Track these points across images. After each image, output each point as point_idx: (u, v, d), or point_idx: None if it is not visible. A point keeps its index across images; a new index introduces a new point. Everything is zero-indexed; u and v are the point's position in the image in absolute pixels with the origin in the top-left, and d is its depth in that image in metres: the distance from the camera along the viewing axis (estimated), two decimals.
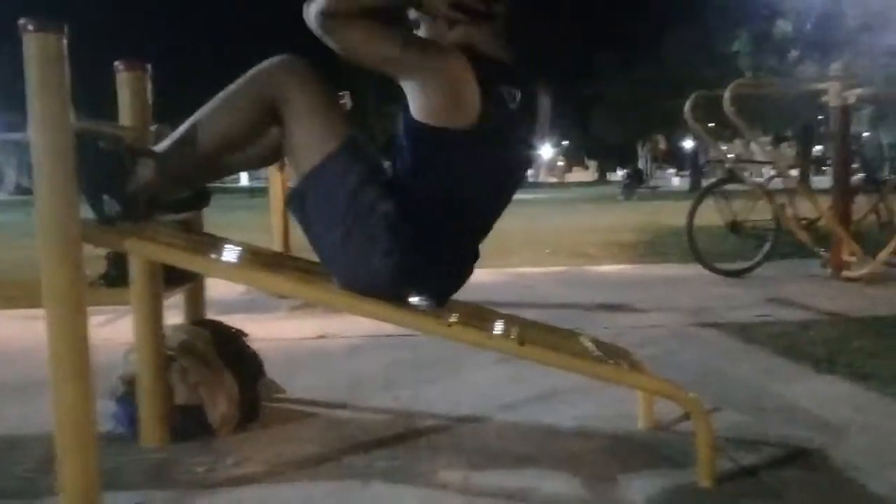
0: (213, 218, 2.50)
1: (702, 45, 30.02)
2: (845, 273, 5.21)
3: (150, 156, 1.80)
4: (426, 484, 1.83)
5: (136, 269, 2.08)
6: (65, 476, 1.61)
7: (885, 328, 3.51)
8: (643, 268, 6.20)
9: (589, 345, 2.17)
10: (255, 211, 9.44)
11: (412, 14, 1.88)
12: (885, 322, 3.66)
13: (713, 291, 4.78)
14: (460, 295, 2.05)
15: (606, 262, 6.61)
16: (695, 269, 5.48)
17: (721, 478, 1.80)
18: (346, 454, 2.04)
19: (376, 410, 2.43)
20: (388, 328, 2.10)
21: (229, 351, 2.31)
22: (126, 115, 2.12)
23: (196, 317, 2.53)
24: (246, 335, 2.48)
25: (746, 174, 5.83)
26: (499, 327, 2.02)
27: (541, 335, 2.10)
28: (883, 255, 5.06)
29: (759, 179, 5.83)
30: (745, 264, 5.50)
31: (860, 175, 6.03)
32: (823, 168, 7.52)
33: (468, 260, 1.99)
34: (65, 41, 1.56)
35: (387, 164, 1.91)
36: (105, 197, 1.72)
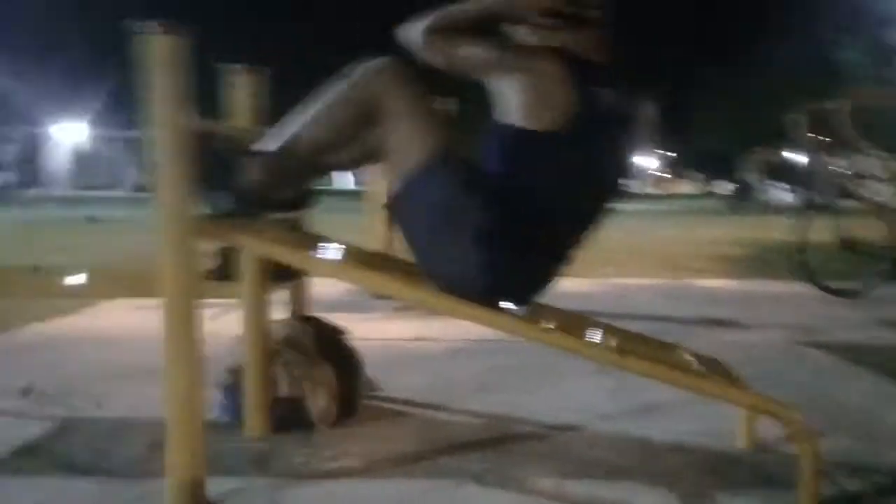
0: (318, 218, 2.57)
1: (812, 54, 28.93)
2: None
3: (261, 155, 1.87)
4: (518, 489, 1.84)
5: (245, 264, 2.16)
6: (172, 459, 1.69)
7: None
8: (748, 283, 6.02)
9: (689, 358, 2.12)
10: (359, 213, 9.61)
11: (504, 27, 1.90)
12: None
13: (822, 311, 4.60)
14: (559, 303, 2.05)
15: (710, 277, 6.44)
16: (803, 288, 5.29)
17: (823, 503, 1.74)
18: (439, 455, 2.06)
19: (471, 414, 2.45)
20: (486, 333, 2.11)
21: (331, 347, 2.36)
22: (240, 115, 2.20)
23: (300, 313, 2.60)
24: (347, 333, 2.53)
25: (862, 191, 5.58)
26: (598, 336, 2.00)
27: (640, 346, 2.07)
28: None
29: (876, 197, 5.57)
30: (858, 284, 5.27)
31: None
32: None
33: (559, 266, 1.97)
34: (187, 44, 1.63)
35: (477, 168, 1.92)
36: (219, 194, 1.79)
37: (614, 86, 1.84)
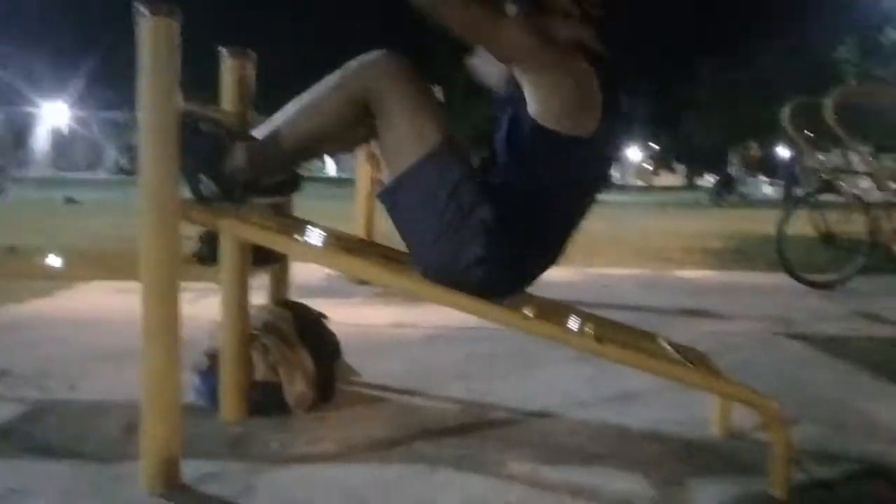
0: (299, 205, 2.56)
1: (802, 50, 29.08)
2: None
3: (248, 140, 1.86)
4: (494, 474, 1.85)
5: (226, 248, 2.15)
6: (147, 441, 1.68)
7: None
8: (728, 274, 6.06)
9: (667, 347, 2.14)
10: (340, 200, 9.58)
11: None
12: None
13: (800, 302, 4.64)
14: (540, 291, 2.05)
15: (690, 267, 6.48)
16: (782, 279, 5.33)
17: (795, 490, 1.76)
18: (416, 440, 2.07)
19: (448, 400, 2.45)
20: (465, 320, 2.11)
21: (309, 332, 2.36)
22: (228, 99, 2.18)
23: (280, 298, 2.60)
24: (326, 318, 2.53)
25: (843, 185, 5.63)
26: (577, 324, 2.01)
27: (619, 334, 2.08)
28: None
29: (856, 191, 5.62)
30: (836, 276, 5.32)
31: None
32: None
33: (551, 261, 1.98)
34: (178, 26, 1.62)
35: (476, 161, 1.92)
36: (203, 177, 1.78)
37: (625, 87, 1.85)
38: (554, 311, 2.16)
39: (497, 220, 1.78)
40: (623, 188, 43.44)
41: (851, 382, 2.78)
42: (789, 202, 5.70)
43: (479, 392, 2.52)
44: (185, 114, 1.72)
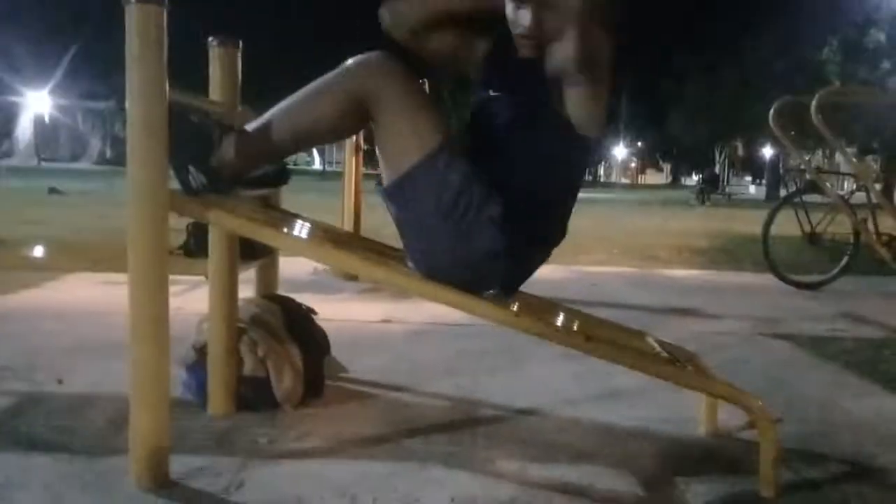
0: (285, 198, 2.54)
1: (787, 51, 29.23)
2: None
3: (237, 133, 1.85)
4: (483, 471, 1.85)
5: (215, 240, 2.14)
6: (136, 434, 1.67)
7: None
8: (714, 274, 6.09)
9: (655, 345, 2.15)
10: (325, 193, 9.56)
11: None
12: None
13: (786, 302, 4.67)
14: (529, 288, 2.05)
15: (677, 267, 6.51)
16: (768, 279, 5.36)
17: (783, 489, 1.77)
18: (404, 437, 2.07)
19: (437, 396, 2.45)
20: (454, 316, 2.11)
21: (298, 327, 2.35)
22: (216, 90, 2.17)
23: (268, 292, 2.59)
24: (315, 313, 2.52)
25: (828, 185, 5.67)
26: (566, 321, 2.02)
27: (607, 332, 2.09)
28: None
29: (840, 192, 5.65)
30: (821, 277, 5.36)
31: None
32: None
33: (544, 258, 1.99)
34: (165, 13, 1.60)
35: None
36: (191, 168, 1.77)
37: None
38: (543, 308, 2.16)
39: (507, 217, 1.79)
40: (609, 186, 43.59)
41: (837, 382, 2.80)
42: (774, 202, 5.72)
43: (468, 388, 2.53)
44: (173, 104, 1.70)
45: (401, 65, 1.80)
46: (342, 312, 3.66)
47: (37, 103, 38.43)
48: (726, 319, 3.98)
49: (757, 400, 1.82)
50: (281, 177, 2.09)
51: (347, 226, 4.89)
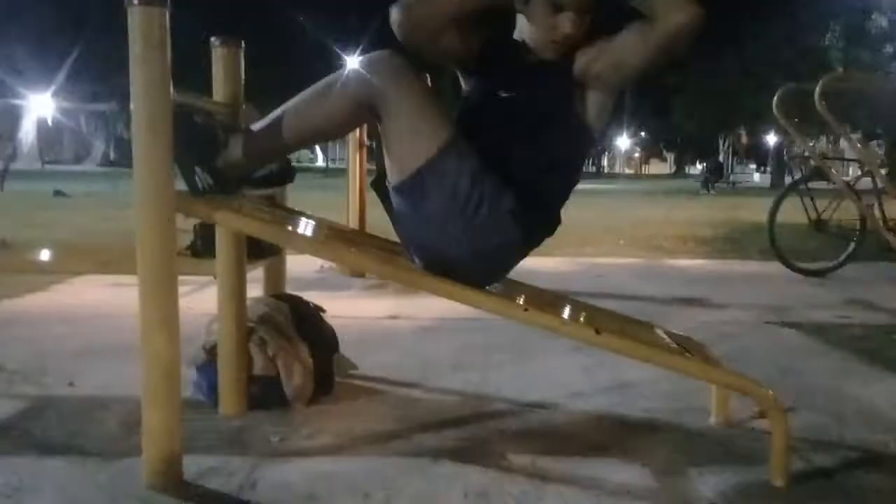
0: (290, 197, 2.55)
1: (790, 37, 29.10)
2: None
3: (244, 133, 1.85)
4: (495, 465, 1.85)
5: (222, 240, 2.14)
6: (148, 436, 1.67)
7: None
8: (721, 263, 6.08)
9: (664, 337, 2.15)
10: (329, 190, 9.56)
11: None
12: None
13: (793, 290, 4.66)
14: (535, 282, 2.05)
15: (683, 256, 6.51)
16: (774, 267, 5.36)
17: (794, 478, 1.77)
18: (415, 432, 2.07)
19: (446, 392, 2.45)
20: (461, 310, 2.11)
21: (307, 325, 2.36)
22: (219, 91, 2.17)
23: (276, 290, 2.59)
24: (323, 311, 2.53)
25: (833, 172, 5.65)
26: (574, 314, 2.02)
27: (616, 325, 2.09)
28: None
29: (846, 178, 5.63)
30: (828, 264, 5.35)
31: None
32: None
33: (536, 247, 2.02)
34: (168, 15, 1.60)
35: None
36: (197, 169, 1.77)
37: None
38: (549, 301, 2.16)
39: (520, 209, 1.82)
40: (612, 177, 43.50)
41: (846, 370, 2.79)
42: (779, 190, 5.70)
43: (477, 383, 2.53)
44: (178, 105, 1.70)
45: (408, 62, 1.80)
46: (349, 309, 3.67)
47: (39, 106, 38.45)
48: (733, 308, 3.98)
49: (767, 389, 1.82)
50: (286, 175, 2.10)
51: (353, 223, 4.90)
